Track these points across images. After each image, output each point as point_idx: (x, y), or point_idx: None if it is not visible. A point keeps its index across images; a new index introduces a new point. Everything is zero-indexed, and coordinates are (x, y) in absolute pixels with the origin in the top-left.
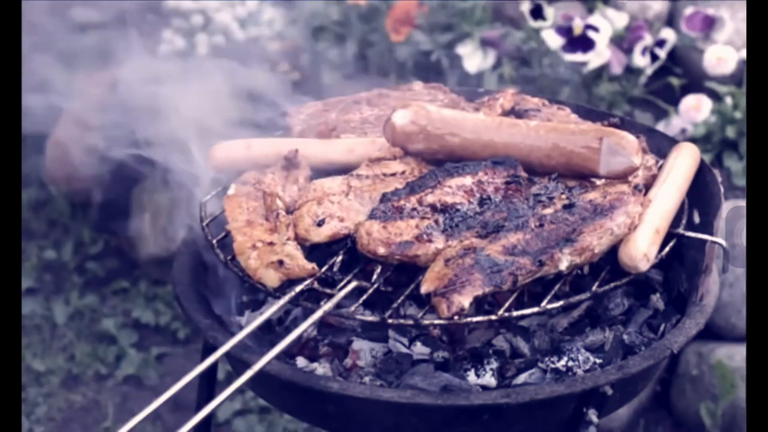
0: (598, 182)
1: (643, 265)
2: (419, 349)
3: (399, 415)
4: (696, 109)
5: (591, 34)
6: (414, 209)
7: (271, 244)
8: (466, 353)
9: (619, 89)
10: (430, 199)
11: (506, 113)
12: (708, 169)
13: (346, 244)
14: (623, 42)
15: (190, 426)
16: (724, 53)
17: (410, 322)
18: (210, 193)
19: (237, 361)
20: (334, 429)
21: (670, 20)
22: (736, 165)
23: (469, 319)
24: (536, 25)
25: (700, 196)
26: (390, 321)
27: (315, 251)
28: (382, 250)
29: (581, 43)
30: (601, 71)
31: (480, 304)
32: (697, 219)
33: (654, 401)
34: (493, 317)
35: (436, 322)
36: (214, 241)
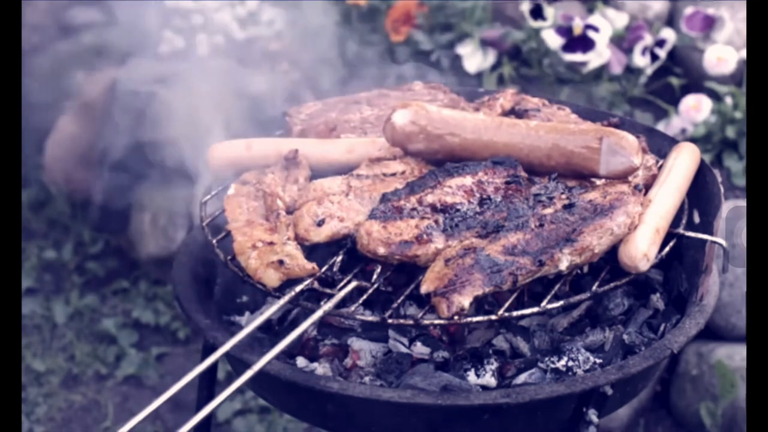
0: (598, 182)
1: (643, 265)
2: (419, 349)
3: (399, 415)
4: (696, 109)
5: (591, 34)
6: (414, 209)
7: (271, 244)
8: (466, 353)
9: (619, 89)
10: (430, 199)
11: (506, 113)
12: (708, 169)
13: (346, 244)
14: (623, 42)
15: (190, 426)
16: (724, 53)
17: (410, 322)
18: (210, 193)
19: (237, 361)
20: (334, 429)
21: (670, 20)
22: (736, 165)
23: (469, 319)
24: (536, 25)
25: (700, 196)
26: (390, 321)
27: (315, 251)
28: (382, 250)
29: (581, 43)
30: (601, 71)
31: (480, 304)
32: (697, 219)
33: (654, 401)
34: (493, 317)
35: (436, 322)
36: (214, 241)
